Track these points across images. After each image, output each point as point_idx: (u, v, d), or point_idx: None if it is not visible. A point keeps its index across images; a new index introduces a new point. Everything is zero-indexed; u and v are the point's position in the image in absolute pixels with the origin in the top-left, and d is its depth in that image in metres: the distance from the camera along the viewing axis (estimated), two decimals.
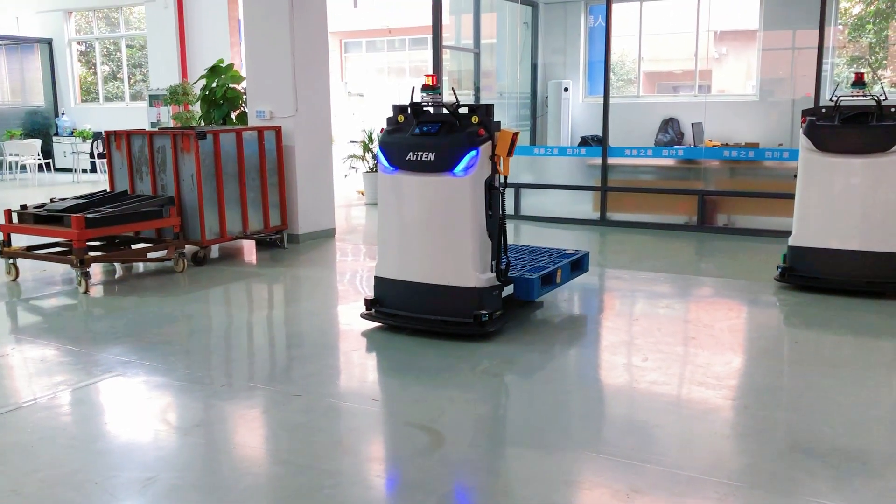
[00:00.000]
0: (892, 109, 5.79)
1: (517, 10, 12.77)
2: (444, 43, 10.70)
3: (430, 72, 7.16)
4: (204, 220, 7.19)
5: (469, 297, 4.83)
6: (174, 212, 6.98)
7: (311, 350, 4.89)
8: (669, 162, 9.58)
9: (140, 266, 7.26)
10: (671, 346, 4.81)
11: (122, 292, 6.54)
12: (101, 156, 15.22)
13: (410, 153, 4.87)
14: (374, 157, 11.43)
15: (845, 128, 5.85)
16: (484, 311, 4.82)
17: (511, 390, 4.24)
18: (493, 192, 4.88)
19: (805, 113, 6.11)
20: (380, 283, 5.16)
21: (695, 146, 10.85)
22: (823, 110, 6.02)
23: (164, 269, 7.04)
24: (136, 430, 3.68)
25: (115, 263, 7.27)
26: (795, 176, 6.08)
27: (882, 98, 5.81)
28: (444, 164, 4.78)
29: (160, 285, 6.55)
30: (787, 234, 6.16)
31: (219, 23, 15.23)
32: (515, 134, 4.89)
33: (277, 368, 4.68)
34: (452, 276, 4.86)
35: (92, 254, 6.58)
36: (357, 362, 4.80)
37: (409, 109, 5.05)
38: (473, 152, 4.75)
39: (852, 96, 5.99)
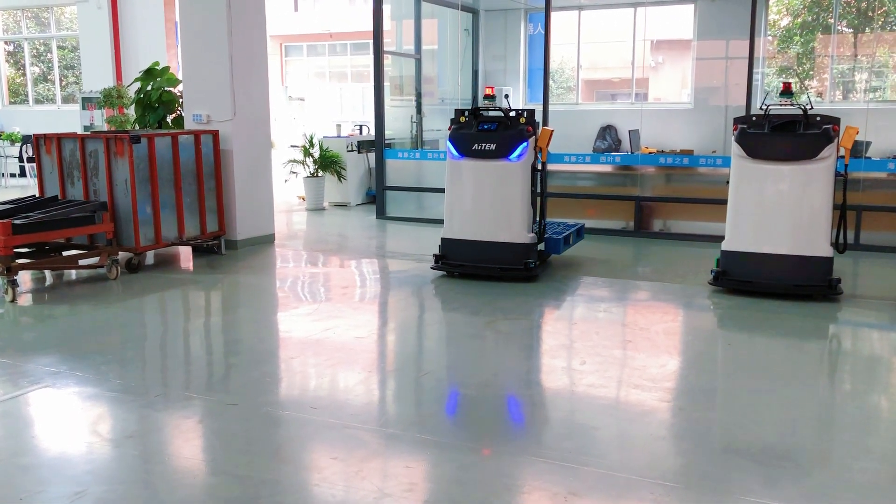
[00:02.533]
0: (818, 118, 6.00)
1: (458, 16, 12.84)
2: (386, 48, 10.70)
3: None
4: (138, 225, 7.02)
5: (519, 250, 6.54)
6: (107, 217, 6.79)
7: (249, 358, 4.82)
8: (607, 168, 9.74)
9: (72, 273, 7.04)
10: (609, 350, 4.88)
11: (52, 301, 6.34)
12: (30, 160, 14.72)
13: (476, 144, 6.52)
14: (315, 161, 11.35)
15: (774, 135, 6.04)
16: (531, 260, 6.50)
17: (442, 397, 4.24)
18: (535, 173, 6.61)
19: (737, 121, 6.28)
20: (447, 242, 6.75)
21: (632, 153, 11.06)
22: (754, 118, 6.20)
23: (96, 277, 6.85)
24: (66, 443, 3.56)
25: (45, 271, 7.04)
26: (728, 182, 6.25)
27: (808, 107, 6.02)
28: (503, 152, 6.47)
29: (92, 293, 6.37)
30: (721, 238, 6.31)
31: (155, 25, 14.92)
32: (552, 131, 6.73)
33: (215, 377, 4.60)
34: (506, 234, 6.54)
35: (20, 261, 6.35)
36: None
37: (467, 112, 6.71)
38: (524, 143, 6.46)
39: (781, 105, 6.18)
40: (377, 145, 10.53)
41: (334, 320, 5.53)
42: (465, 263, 6.70)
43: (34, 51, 18.11)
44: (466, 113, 6.74)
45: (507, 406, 4.11)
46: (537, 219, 6.81)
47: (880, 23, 12.80)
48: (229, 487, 3.11)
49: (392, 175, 10.51)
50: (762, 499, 3.00)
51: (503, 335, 5.31)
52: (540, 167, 6.63)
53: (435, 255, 6.83)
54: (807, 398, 4.18)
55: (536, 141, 6.55)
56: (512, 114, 6.60)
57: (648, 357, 4.74)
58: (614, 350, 4.90)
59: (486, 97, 6.90)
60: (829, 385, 4.56)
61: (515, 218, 6.51)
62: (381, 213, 10.49)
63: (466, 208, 6.66)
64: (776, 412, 3.91)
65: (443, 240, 6.79)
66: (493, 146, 6.47)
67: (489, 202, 6.58)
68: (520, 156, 6.44)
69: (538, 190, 6.75)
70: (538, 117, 9.50)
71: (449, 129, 6.79)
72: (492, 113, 6.72)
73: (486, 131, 6.54)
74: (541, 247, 6.86)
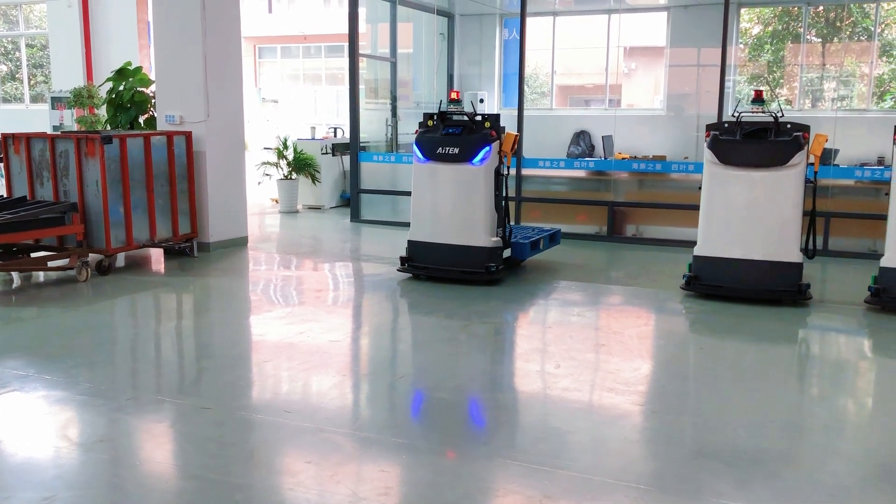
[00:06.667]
0: (788, 126, 6.09)
1: (433, 20, 12.85)
2: (361, 51, 10.68)
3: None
4: (109, 227, 6.93)
5: (482, 254, 6.56)
6: (77, 219, 6.70)
7: (221, 361, 4.77)
8: (581, 173, 9.79)
9: (40, 276, 6.92)
10: (582, 353, 4.91)
11: (20, 303, 6.23)
12: None
13: (440, 147, 6.59)
14: (289, 164, 11.29)
15: (746, 142, 6.12)
16: (492, 264, 6.53)
17: (416, 401, 4.24)
18: (499, 177, 6.61)
19: (709, 127, 6.35)
20: (412, 244, 6.82)
21: (605, 158, 11.13)
22: (726, 125, 6.28)
23: (66, 279, 6.75)
24: (34, 447, 3.50)
25: (13, 273, 6.92)
26: (700, 188, 6.31)
27: (779, 115, 6.10)
28: (466, 156, 6.53)
29: (62, 296, 6.27)
30: (693, 243, 6.38)
31: (127, 24, 14.74)
32: (516, 136, 6.77)
33: (187, 380, 4.55)
34: (469, 238, 6.58)
35: None
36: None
37: (435, 116, 6.76)
38: (487, 148, 6.51)
39: (752, 112, 6.26)
40: (352, 148, 10.50)
41: (308, 324, 5.50)
42: (429, 266, 6.73)
43: (2, 48, 17.82)
44: (435, 117, 6.80)
45: (481, 410, 4.11)
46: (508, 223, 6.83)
47: (848, 33, 13.02)
48: (202, 492, 3.08)
49: (366, 178, 10.48)
50: (734, 501, 3.04)
51: (478, 339, 5.31)
52: (503, 171, 6.65)
53: (401, 258, 6.87)
54: (777, 401, 4.23)
55: (501, 145, 6.60)
56: (478, 118, 6.66)
57: (622, 361, 4.77)
58: (588, 354, 4.93)
59: (452, 101, 6.96)
60: (799, 388, 4.62)
61: (478, 221, 6.55)
62: (355, 216, 10.46)
63: (431, 211, 6.73)
64: (747, 415, 3.96)
65: (409, 242, 6.84)
66: (456, 150, 6.53)
67: (453, 205, 6.64)
68: (482, 160, 6.49)
69: (504, 194, 6.75)
70: (514, 122, 9.63)
71: (416, 132, 6.84)
72: (457, 117, 6.77)
73: (450, 135, 6.62)
74: (508, 252, 6.85)
